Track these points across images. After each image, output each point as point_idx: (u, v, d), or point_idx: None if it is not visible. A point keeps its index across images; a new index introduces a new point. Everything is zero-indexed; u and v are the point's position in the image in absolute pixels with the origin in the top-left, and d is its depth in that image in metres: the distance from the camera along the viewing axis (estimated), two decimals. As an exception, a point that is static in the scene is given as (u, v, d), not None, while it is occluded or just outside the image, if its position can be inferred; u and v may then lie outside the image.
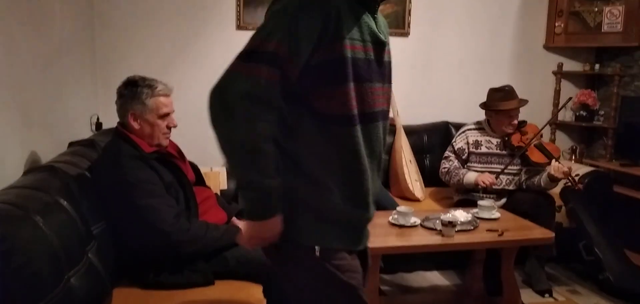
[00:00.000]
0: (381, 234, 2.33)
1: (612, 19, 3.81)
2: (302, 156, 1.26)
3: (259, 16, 3.44)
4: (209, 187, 2.28)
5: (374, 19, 1.32)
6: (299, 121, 1.25)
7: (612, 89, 3.93)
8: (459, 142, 3.20)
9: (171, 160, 2.02)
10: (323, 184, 1.26)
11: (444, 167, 3.21)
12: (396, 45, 3.78)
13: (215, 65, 3.50)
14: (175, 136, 2.25)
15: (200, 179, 2.24)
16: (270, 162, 1.20)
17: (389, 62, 1.39)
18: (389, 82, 1.40)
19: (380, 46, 1.31)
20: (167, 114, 2.00)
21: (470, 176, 3.05)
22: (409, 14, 3.77)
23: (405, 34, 3.80)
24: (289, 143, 1.26)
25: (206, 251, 1.93)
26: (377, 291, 2.27)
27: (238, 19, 3.44)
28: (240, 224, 2.15)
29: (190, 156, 2.39)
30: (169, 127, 2.02)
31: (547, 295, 2.97)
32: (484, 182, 2.96)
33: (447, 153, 3.25)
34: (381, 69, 1.32)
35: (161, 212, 1.83)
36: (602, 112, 4.03)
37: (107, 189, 1.88)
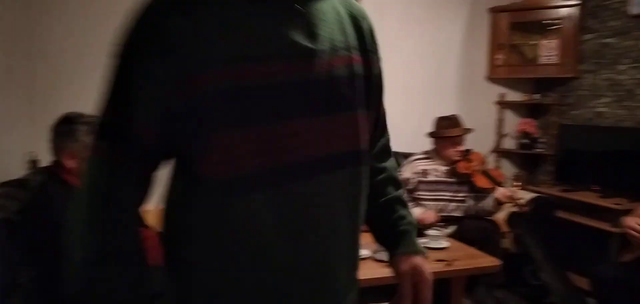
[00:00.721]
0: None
1: (548, 51, 4.01)
2: (194, 259, 0.84)
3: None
4: (149, 227, 2.18)
5: (305, 13, 0.82)
6: (185, 200, 0.84)
7: (551, 118, 4.11)
8: (406, 172, 3.24)
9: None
10: None
11: None
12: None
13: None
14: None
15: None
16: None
17: (346, 77, 0.87)
18: (345, 108, 0.87)
19: (309, 57, 0.81)
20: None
21: (414, 213, 3.08)
22: (355, 44, 3.82)
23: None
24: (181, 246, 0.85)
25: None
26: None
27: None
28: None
29: None
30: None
31: (496, 321, 3.01)
32: (424, 221, 3.00)
33: None
34: (316, 92, 0.82)
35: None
36: (543, 140, 4.20)
37: (37, 233, 1.76)
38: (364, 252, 2.40)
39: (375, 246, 2.47)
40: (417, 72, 4.05)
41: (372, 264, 2.36)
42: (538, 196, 3.54)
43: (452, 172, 3.18)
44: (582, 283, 3.14)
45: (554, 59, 3.99)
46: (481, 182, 3.11)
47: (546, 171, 4.16)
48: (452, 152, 3.15)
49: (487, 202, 3.06)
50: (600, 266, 2.36)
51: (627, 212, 2.43)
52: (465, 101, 4.18)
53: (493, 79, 4.24)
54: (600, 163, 3.65)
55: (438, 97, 4.11)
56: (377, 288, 2.36)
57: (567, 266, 3.40)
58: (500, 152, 4.29)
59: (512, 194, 2.94)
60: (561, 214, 3.63)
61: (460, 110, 4.04)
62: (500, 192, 2.96)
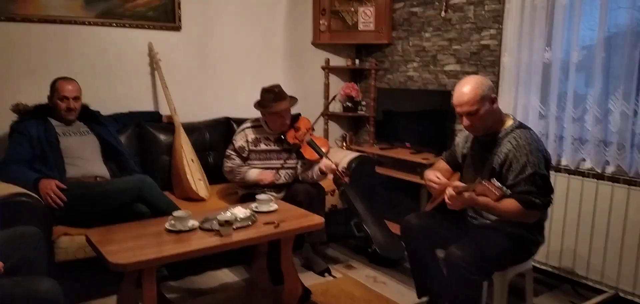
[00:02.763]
0: (155, 243, 2.20)
1: (366, 18, 4.29)
2: None
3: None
4: None
5: None
6: None
7: (370, 82, 4.44)
8: (238, 140, 3.22)
9: None
10: None
11: (227, 166, 3.21)
12: (167, 40, 3.67)
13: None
14: None
15: None
16: None
17: None
18: None
19: None
20: None
21: (252, 174, 3.12)
22: (179, 7, 3.65)
23: (177, 28, 3.68)
24: None
25: None
26: (155, 301, 2.14)
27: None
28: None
29: None
30: None
31: (326, 274, 3.21)
32: (263, 181, 3.04)
33: (228, 152, 3.24)
34: None
35: None
36: (364, 103, 4.52)
37: None
38: (190, 223, 2.35)
39: (203, 215, 2.44)
40: (245, 39, 4.02)
41: (200, 233, 2.32)
42: (360, 155, 3.82)
43: (281, 141, 3.24)
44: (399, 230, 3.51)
45: (371, 26, 4.29)
46: (308, 153, 3.22)
47: (368, 132, 4.50)
48: (280, 125, 3.20)
49: (315, 172, 3.19)
50: (408, 215, 2.63)
51: (432, 165, 2.74)
52: (293, 66, 4.29)
53: (318, 44, 4.41)
54: (412, 123, 4.07)
55: (267, 63, 4.15)
56: (212, 255, 2.34)
57: (386, 216, 3.75)
58: (328, 116, 4.51)
59: (335, 166, 3.12)
60: (381, 170, 3.99)
61: (290, 74, 4.15)
62: (325, 164, 3.11)
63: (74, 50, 3.29)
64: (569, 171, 3.04)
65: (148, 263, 2.04)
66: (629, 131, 2.78)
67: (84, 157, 2.89)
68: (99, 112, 3.16)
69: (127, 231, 2.35)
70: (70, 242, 2.59)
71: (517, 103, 3.26)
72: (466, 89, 2.25)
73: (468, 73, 3.70)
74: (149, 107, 3.63)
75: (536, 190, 2.15)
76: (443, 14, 3.84)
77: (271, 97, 3.16)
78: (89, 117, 3.07)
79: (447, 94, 3.77)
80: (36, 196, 2.55)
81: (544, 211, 2.29)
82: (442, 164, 2.65)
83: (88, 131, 3.02)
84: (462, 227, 2.45)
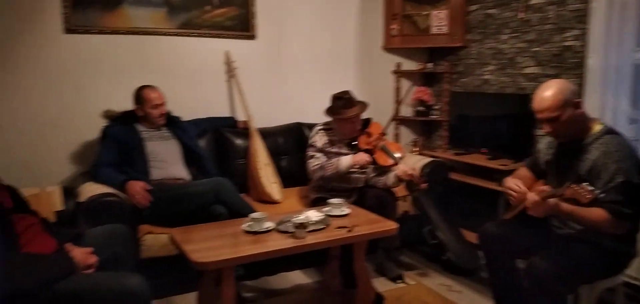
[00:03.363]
0: (234, 244, 2.27)
1: (439, 21, 4.21)
2: None
3: (89, 18, 3.16)
4: (34, 213, 2.01)
5: None
6: None
7: (443, 86, 4.34)
8: (318, 140, 3.21)
9: (-21, 188, 1.74)
10: None
11: (313, 165, 3.17)
12: (243, 49, 3.79)
13: (40, 72, 3.20)
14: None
15: (20, 205, 1.96)
16: None
17: None
18: None
19: None
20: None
21: (345, 161, 3.08)
22: (254, 17, 3.76)
23: (252, 37, 3.79)
24: None
25: (31, 287, 1.70)
26: (234, 301, 2.20)
27: (66, 21, 3.10)
28: (76, 250, 1.93)
29: (13, 176, 2.10)
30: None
31: (399, 281, 3.16)
32: (360, 162, 3.03)
33: (311, 152, 3.23)
34: None
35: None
36: (437, 107, 4.43)
37: None
38: (266, 224, 2.40)
39: (279, 218, 2.49)
40: (316, 46, 4.07)
41: (276, 235, 2.36)
42: (433, 160, 3.74)
43: (352, 147, 3.23)
44: (475, 238, 3.39)
45: (444, 29, 4.20)
46: (382, 160, 3.17)
47: (441, 136, 4.40)
48: (350, 131, 3.19)
49: (389, 179, 3.15)
50: (486, 223, 2.55)
51: (511, 172, 2.63)
52: (364, 71, 4.28)
53: (389, 49, 4.38)
54: (488, 128, 3.92)
55: (338, 68, 4.18)
56: (286, 257, 2.39)
57: (461, 224, 3.64)
58: (399, 120, 4.47)
59: (411, 172, 3.05)
60: (455, 176, 3.88)
61: (360, 80, 4.15)
62: (401, 170, 3.06)
63: (157, 59, 3.48)
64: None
65: (227, 262, 2.11)
66: None
67: (167, 161, 3.05)
68: (180, 117, 3.32)
69: (207, 231, 2.45)
70: (154, 240, 2.73)
71: (605, 107, 3.06)
72: (547, 94, 2.14)
73: (549, 76, 3.52)
74: (225, 113, 3.76)
75: (626, 200, 2.00)
76: (521, 15, 3.68)
77: (341, 104, 3.16)
78: (171, 122, 3.23)
79: (526, 98, 3.61)
80: (124, 196, 2.72)
81: (637, 222, 2.13)
82: (523, 171, 2.54)
83: (170, 135, 3.18)
84: (545, 236, 2.33)
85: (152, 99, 3.05)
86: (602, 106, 3.07)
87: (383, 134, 3.29)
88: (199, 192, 2.86)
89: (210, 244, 2.24)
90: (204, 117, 3.58)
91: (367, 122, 3.33)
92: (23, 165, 3.04)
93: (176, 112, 3.32)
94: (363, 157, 3.06)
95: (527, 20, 3.65)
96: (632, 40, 2.91)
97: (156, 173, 2.97)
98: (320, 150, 3.19)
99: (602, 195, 1.94)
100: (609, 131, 2.16)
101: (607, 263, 2.18)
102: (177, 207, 2.82)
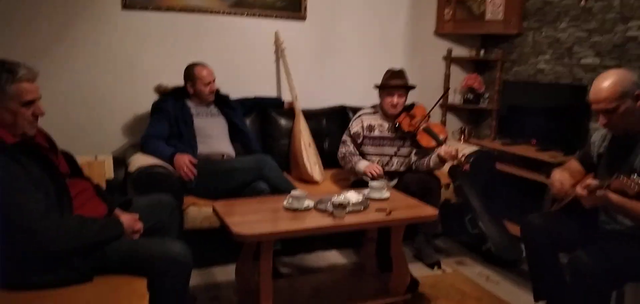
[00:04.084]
0: (274, 219, 2.33)
1: (494, 8, 4.08)
2: None
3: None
4: (87, 179, 2.13)
5: None
6: None
7: (496, 74, 4.22)
8: (354, 126, 3.27)
9: (39, 151, 1.86)
10: None
11: (341, 152, 3.28)
12: (292, 29, 3.82)
13: (98, 48, 3.36)
14: (53, 124, 2.08)
15: (75, 170, 2.09)
16: None
17: None
18: None
19: None
20: (32, 101, 1.82)
21: (361, 165, 3.13)
22: (305, -1, 3.79)
23: (302, 18, 3.81)
24: None
25: (83, 247, 1.81)
26: (270, 274, 2.27)
27: (124, -4, 3.25)
28: (124, 216, 2.04)
29: (70, 144, 2.24)
30: (35, 116, 1.85)
31: (436, 267, 3.14)
32: (371, 173, 3.05)
33: (344, 137, 3.31)
34: None
35: (26, 209, 1.68)
36: (487, 95, 4.32)
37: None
38: (306, 203, 2.44)
39: (318, 197, 2.53)
40: (366, 29, 4.05)
41: (314, 213, 2.40)
42: (480, 150, 3.67)
43: (395, 129, 3.22)
44: (518, 230, 3.31)
45: (500, 16, 4.07)
46: (425, 140, 3.15)
47: (489, 126, 4.30)
48: (389, 104, 3.17)
49: (431, 160, 3.12)
50: (530, 214, 2.48)
51: (560, 164, 2.54)
52: (415, 56, 4.22)
53: (441, 34, 4.29)
54: (539, 118, 3.80)
55: (386, 52, 4.14)
56: (323, 235, 2.43)
57: (505, 216, 3.56)
58: (447, 107, 4.39)
59: (455, 152, 3.01)
60: (502, 166, 3.78)
61: (409, 64, 4.09)
62: (444, 150, 3.01)
63: (208, 37, 3.57)
64: None
65: (266, 236, 2.17)
66: None
67: (214, 136, 3.15)
68: (228, 96, 3.40)
69: (248, 205, 2.52)
70: (198, 212, 2.84)
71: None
72: (605, 84, 2.05)
73: (608, 67, 3.35)
74: (272, 92, 3.82)
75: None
76: (582, 2, 3.51)
77: (388, 75, 3.19)
78: (219, 100, 3.32)
79: (582, 90, 3.47)
80: (171, 168, 2.83)
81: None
82: (574, 164, 2.45)
83: (218, 112, 3.27)
84: (591, 231, 2.25)
85: (203, 76, 3.14)
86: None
87: (427, 117, 3.25)
88: (243, 168, 2.93)
89: (251, 218, 2.31)
90: (252, 96, 3.65)
91: (411, 105, 3.30)
92: (79, 133, 3.23)
93: (225, 90, 3.40)
94: (375, 168, 3.06)
95: (589, 8, 3.48)
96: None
97: (203, 148, 3.07)
98: (353, 137, 3.22)
99: None
100: (671, 126, 2.04)
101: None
102: (221, 181, 2.91)
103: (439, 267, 3.15)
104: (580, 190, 2.06)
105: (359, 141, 3.24)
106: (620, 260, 2.02)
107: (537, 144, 3.73)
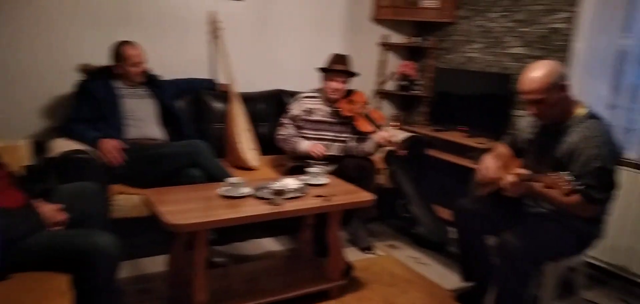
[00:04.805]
0: (209, 207, 2.25)
1: (429, -5, 4.16)
2: None
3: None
4: (1, 165, 1.95)
5: None
6: None
7: (429, 61, 4.32)
8: (294, 109, 3.24)
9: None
10: None
11: (281, 134, 3.24)
12: (228, 8, 3.69)
13: (11, 21, 3.06)
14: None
15: (-13, 158, 1.91)
16: None
17: None
18: None
19: None
20: None
21: (303, 145, 3.12)
22: (242, -23, 3.67)
23: (239, -2, 3.70)
24: None
25: (-4, 241, 1.66)
26: (205, 264, 2.20)
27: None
28: (44, 206, 1.89)
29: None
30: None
31: (368, 251, 3.20)
32: (314, 152, 3.03)
33: (283, 120, 3.27)
34: None
35: None
36: (420, 82, 4.41)
37: None
38: (243, 190, 2.38)
39: (255, 184, 2.48)
40: (304, 11, 4.00)
41: (252, 201, 2.35)
42: (413, 136, 3.74)
43: (335, 114, 3.22)
44: (449, 215, 3.43)
45: (435, 4, 4.15)
46: (363, 126, 3.19)
47: (421, 112, 4.40)
48: (330, 90, 3.17)
49: (368, 145, 3.16)
50: (461, 199, 2.57)
51: (488, 150, 2.64)
52: (352, 41, 4.23)
53: (378, 19, 4.32)
54: (469, 106, 3.93)
55: (324, 36, 4.12)
56: (259, 223, 2.39)
57: (436, 200, 3.68)
58: (382, 93, 4.44)
59: (390, 137, 3.07)
60: (432, 152, 3.89)
61: (347, 49, 4.08)
62: (380, 135, 3.07)
63: (137, 13, 3.37)
64: (636, 166, 2.86)
65: (202, 225, 2.10)
66: None
67: (143, 119, 2.99)
68: (159, 76, 3.25)
69: (182, 193, 2.42)
70: (126, 200, 2.70)
71: (585, 91, 3.08)
72: (534, 76, 2.13)
73: (535, 57, 3.52)
74: (206, 74, 3.69)
75: (599, 185, 2.03)
76: (512, -7, 3.66)
77: (333, 58, 3.19)
78: (149, 80, 3.16)
79: (509, 78, 3.62)
80: (97, 154, 2.66)
81: (606, 206, 2.16)
82: (502, 148, 2.56)
83: (148, 94, 3.11)
84: (517, 214, 2.36)
85: (132, 56, 2.97)
86: (583, 90, 3.08)
87: (366, 102, 3.28)
88: (175, 153, 2.81)
89: (184, 207, 2.22)
90: (184, 77, 3.50)
91: (351, 92, 3.32)
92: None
93: (155, 70, 3.24)
94: (319, 148, 3.06)
95: (518, -1, 3.63)
96: (618, 27, 2.92)
97: (131, 132, 2.91)
98: (292, 119, 3.18)
99: (581, 187, 1.94)
100: (593, 116, 2.17)
101: (574, 243, 2.22)
102: (152, 168, 2.78)
103: (372, 251, 3.21)
104: (510, 178, 2.14)
105: (298, 123, 3.21)
106: (544, 240, 2.15)
107: (467, 130, 3.87)
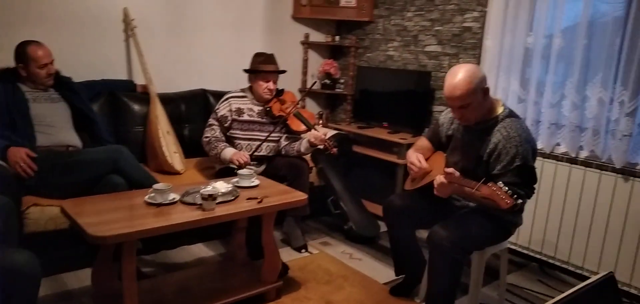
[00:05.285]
0: (136, 216, 2.13)
1: (348, -5, 4.24)
2: None
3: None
4: None
5: None
6: None
7: (350, 60, 4.40)
8: (222, 109, 3.14)
9: None
10: None
11: (206, 137, 3.12)
12: (143, 6, 3.51)
13: None
14: None
15: None
16: None
17: None
18: None
19: None
20: None
21: (227, 153, 3.02)
22: (157, -26, 3.51)
23: (155, -5, 3.54)
24: None
25: None
26: (134, 277, 2.07)
27: None
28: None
29: None
30: None
31: (303, 251, 3.19)
32: (238, 161, 2.96)
33: (210, 121, 3.16)
34: None
35: None
36: (342, 81, 4.48)
37: None
38: (171, 196, 2.28)
39: (184, 189, 2.38)
40: (224, 10, 3.90)
41: (181, 207, 2.25)
42: (339, 133, 3.80)
43: (266, 113, 3.17)
44: (378, 209, 3.52)
45: (353, 3, 4.23)
46: (295, 125, 3.17)
47: (345, 110, 4.48)
48: (264, 89, 3.13)
49: (302, 144, 3.14)
50: (391, 194, 2.64)
51: (410, 146, 2.73)
52: (273, 40, 4.20)
53: (298, 18, 4.33)
54: (390, 103, 4.06)
55: (246, 35, 4.05)
56: (185, 231, 2.30)
57: (364, 195, 3.76)
58: (306, 92, 4.46)
59: (324, 137, 3.07)
60: (358, 148, 3.98)
61: (269, 48, 4.04)
62: (314, 135, 3.06)
63: (43, 10, 3.11)
64: (544, 155, 3.10)
65: (130, 236, 1.97)
66: (605, 117, 2.85)
67: (55, 125, 2.76)
68: (70, 78, 3.01)
69: (104, 203, 2.27)
70: (41, 213, 2.48)
71: (498, 87, 3.29)
72: (458, 82, 2.16)
73: (449, 55, 3.71)
74: (122, 75, 3.49)
75: (522, 182, 2.16)
76: (426, -7, 3.82)
77: (261, 59, 3.12)
78: (60, 83, 2.92)
79: (427, 75, 3.78)
80: (5, 164, 2.42)
81: (527, 200, 2.32)
82: (424, 142, 2.64)
83: (59, 97, 2.88)
84: (444, 208, 2.46)
85: (38, 57, 2.72)
86: (495, 86, 3.30)
87: (297, 102, 3.27)
88: (94, 160, 2.62)
89: (108, 217, 2.08)
90: (98, 79, 3.28)
91: (281, 91, 3.29)
92: None
93: (66, 72, 3.00)
94: (243, 156, 2.98)
95: (432, -1, 3.80)
96: (525, 25, 3.14)
97: (42, 139, 2.67)
98: (220, 120, 3.10)
99: (519, 201, 2.01)
100: (510, 114, 2.29)
101: (499, 232, 2.36)
102: (68, 177, 2.57)
103: (307, 250, 3.21)
104: (441, 178, 2.22)
105: (227, 124, 3.12)
106: (470, 231, 2.25)
107: (389, 127, 3.99)
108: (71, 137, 2.82)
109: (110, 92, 3.30)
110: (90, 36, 3.31)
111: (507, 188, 2.01)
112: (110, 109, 3.27)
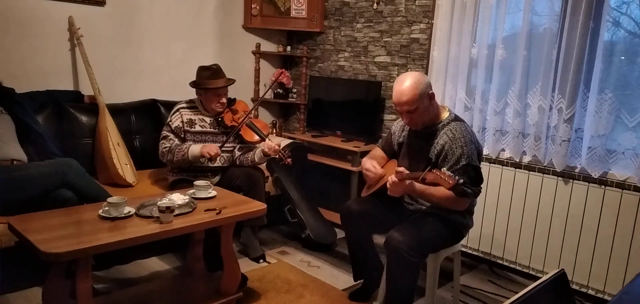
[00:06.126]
0: (90, 231, 2.06)
1: (298, 5, 4.29)
2: None
3: None
4: None
5: None
6: None
7: (301, 70, 4.44)
8: (175, 121, 3.06)
9: None
10: None
11: (165, 147, 3.02)
12: (89, 15, 3.42)
13: None
14: None
15: None
16: None
17: None
18: None
19: None
20: None
21: (195, 149, 2.95)
22: (104, -19, 3.42)
23: (101, 3, 3.44)
24: None
25: None
26: (90, 294, 2.01)
27: None
28: None
29: None
30: None
31: (261, 261, 3.19)
32: (209, 154, 2.91)
33: (165, 133, 3.07)
34: None
35: None
36: (295, 90, 4.52)
37: None
38: (126, 209, 2.23)
39: (139, 202, 2.33)
40: (174, 19, 3.85)
41: (137, 220, 2.20)
42: (293, 142, 3.83)
43: (218, 124, 3.14)
44: (334, 216, 3.57)
45: (303, 13, 4.29)
46: (248, 135, 3.15)
47: (298, 119, 4.51)
48: (216, 104, 3.09)
49: (256, 154, 3.13)
50: (348, 201, 2.69)
51: (364, 154, 2.80)
52: (224, 49, 4.18)
53: (249, 28, 4.33)
54: (342, 111, 4.13)
55: (197, 44, 4.02)
56: (141, 244, 2.24)
57: (320, 203, 3.80)
58: (259, 101, 4.45)
59: (278, 147, 3.07)
60: (312, 157, 4.02)
61: (220, 57, 4.04)
62: (267, 145, 3.05)
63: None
64: (490, 160, 3.26)
65: (85, 251, 1.91)
66: (545, 124, 3.04)
67: (-2, 139, 2.63)
68: (13, 89, 2.88)
69: (55, 218, 2.18)
70: (-16, 231, 2.35)
71: (445, 95, 3.43)
72: (405, 89, 2.29)
73: (398, 65, 3.83)
74: (68, 85, 3.37)
75: (468, 180, 2.28)
76: (375, 5, 3.93)
77: (208, 75, 3.06)
78: (2, 95, 2.79)
79: (377, 85, 3.89)
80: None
81: (474, 198, 2.44)
82: (378, 151, 2.73)
83: (1, 110, 2.74)
84: (399, 213, 2.54)
85: None
86: (443, 95, 3.43)
87: (249, 112, 3.26)
88: (42, 174, 2.51)
89: (61, 233, 2.00)
90: (43, 90, 3.15)
91: (233, 100, 3.27)
92: None
93: (8, 83, 2.87)
94: (212, 148, 2.95)
95: (380, 11, 3.91)
96: (469, 37, 3.30)
97: (-16, 153, 2.54)
98: (175, 131, 3.04)
99: (461, 181, 2.15)
100: (455, 119, 2.42)
101: (451, 234, 2.46)
102: (13, 192, 2.45)
103: (265, 260, 3.21)
104: (392, 178, 2.30)
105: (182, 135, 3.05)
106: (425, 235, 2.34)
107: (342, 135, 4.06)
108: (16, 151, 2.69)
109: (55, 103, 3.17)
110: (33, 46, 3.18)
111: (450, 172, 2.13)
112: (57, 121, 3.15)
